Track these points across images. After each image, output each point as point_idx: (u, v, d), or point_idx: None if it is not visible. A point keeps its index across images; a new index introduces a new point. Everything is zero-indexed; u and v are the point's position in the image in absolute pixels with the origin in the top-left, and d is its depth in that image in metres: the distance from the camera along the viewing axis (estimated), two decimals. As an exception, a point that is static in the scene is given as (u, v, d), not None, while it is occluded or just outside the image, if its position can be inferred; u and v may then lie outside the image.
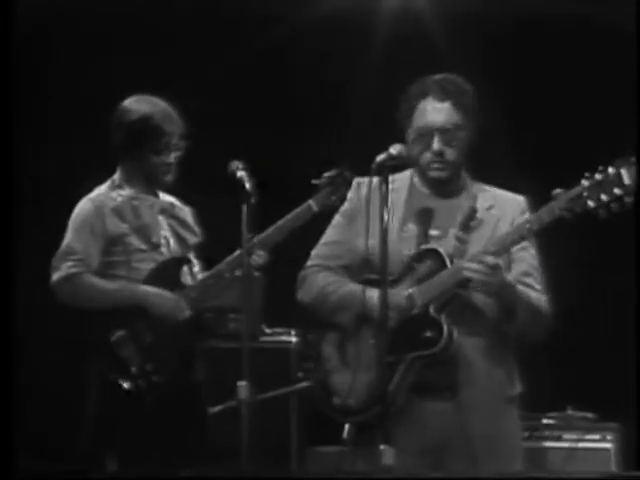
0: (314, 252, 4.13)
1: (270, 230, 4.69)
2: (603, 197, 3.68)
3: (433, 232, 3.95)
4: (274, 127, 6.59)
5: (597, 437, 5.55)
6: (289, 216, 4.70)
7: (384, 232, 3.65)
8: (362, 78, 6.48)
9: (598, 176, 3.69)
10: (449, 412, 3.86)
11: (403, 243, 3.92)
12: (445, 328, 3.83)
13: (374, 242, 3.82)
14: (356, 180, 4.13)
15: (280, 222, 4.71)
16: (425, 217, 3.91)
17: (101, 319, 4.63)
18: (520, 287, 3.90)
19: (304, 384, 5.30)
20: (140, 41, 6.51)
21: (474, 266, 3.77)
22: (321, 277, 4.06)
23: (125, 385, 4.56)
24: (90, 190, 4.80)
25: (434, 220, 3.96)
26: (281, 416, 5.84)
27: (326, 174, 4.74)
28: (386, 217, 3.66)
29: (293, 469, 5.78)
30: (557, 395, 5.79)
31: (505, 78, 6.37)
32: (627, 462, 5.51)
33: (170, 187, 4.83)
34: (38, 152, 6.54)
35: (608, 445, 5.53)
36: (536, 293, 3.94)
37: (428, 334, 3.83)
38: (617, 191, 3.66)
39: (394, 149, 3.81)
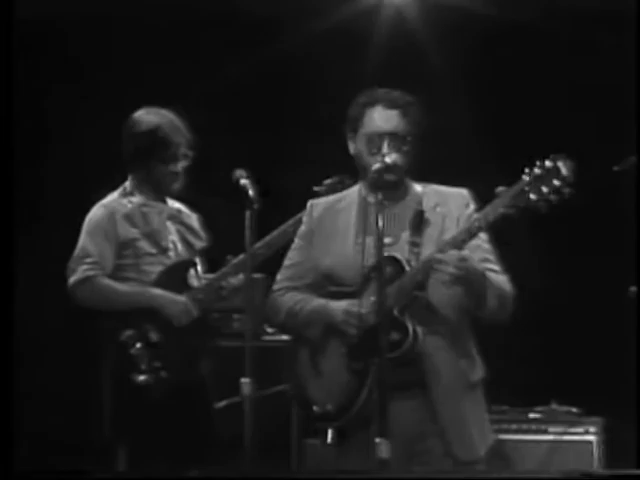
0: (279, 276, 4.16)
1: (274, 234, 4.73)
2: (544, 189, 3.69)
3: (386, 240, 3.87)
4: (277, 136, 6.60)
5: (580, 430, 5.56)
6: (291, 221, 4.72)
7: (380, 240, 3.70)
8: (361, 88, 6.51)
9: (537, 170, 3.72)
10: (420, 407, 3.91)
11: (358, 256, 3.91)
12: (410, 328, 3.86)
13: (332, 259, 3.98)
14: (310, 202, 4.18)
15: (282, 227, 4.75)
16: (376, 227, 3.78)
17: (112, 319, 4.67)
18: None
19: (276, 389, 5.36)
20: (146, 51, 6.52)
21: (442, 256, 3.79)
22: (287, 297, 4.09)
23: (138, 379, 4.59)
24: (97, 198, 4.85)
25: (385, 228, 3.86)
26: (282, 411, 5.86)
27: (326, 181, 4.78)
28: (380, 223, 3.70)
29: (293, 464, 5.80)
30: (542, 391, 5.82)
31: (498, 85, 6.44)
32: (608, 454, 5.55)
33: (178, 194, 4.87)
34: (41, 160, 6.57)
35: (591, 438, 5.55)
36: (500, 275, 3.98)
37: (394, 336, 3.84)
38: (556, 183, 3.68)
39: (389, 158, 3.91)
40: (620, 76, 5.99)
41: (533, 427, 5.63)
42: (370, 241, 3.84)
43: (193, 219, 4.95)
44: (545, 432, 5.62)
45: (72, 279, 4.70)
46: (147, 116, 4.79)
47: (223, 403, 5.02)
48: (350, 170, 4.57)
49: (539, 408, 5.73)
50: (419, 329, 3.88)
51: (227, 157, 4.73)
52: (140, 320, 4.67)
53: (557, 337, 6.15)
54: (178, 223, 4.88)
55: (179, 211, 4.92)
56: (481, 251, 3.98)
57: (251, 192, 4.11)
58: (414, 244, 3.96)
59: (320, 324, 4.00)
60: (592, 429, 5.55)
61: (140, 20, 6.51)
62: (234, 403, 4.68)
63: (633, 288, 4.63)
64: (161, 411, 4.59)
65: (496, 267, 4.00)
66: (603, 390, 5.73)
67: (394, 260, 3.91)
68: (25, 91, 5.41)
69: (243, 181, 4.15)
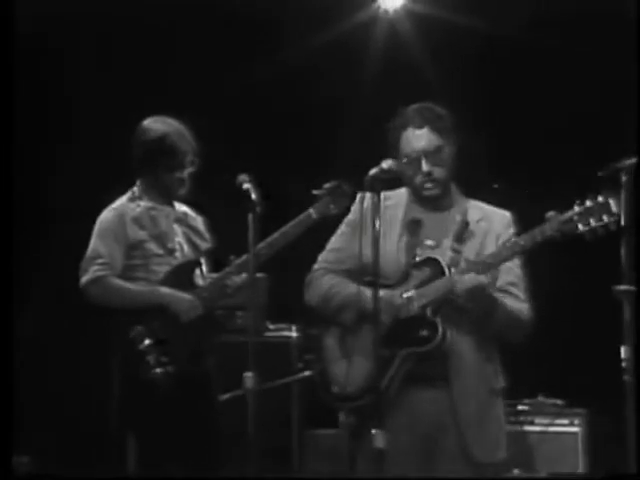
0: (320, 257, 4.20)
1: (275, 235, 4.74)
2: (592, 222, 3.75)
3: (428, 242, 4.01)
4: (278, 143, 6.61)
5: (566, 422, 5.59)
6: (291, 223, 4.76)
7: (375, 240, 3.73)
8: (358, 97, 6.53)
9: (588, 203, 3.77)
10: (441, 399, 3.93)
11: (400, 252, 4.00)
12: (440, 328, 3.91)
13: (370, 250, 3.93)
14: (360, 193, 4.16)
15: (283, 228, 4.76)
16: (420, 229, 3.95)
17: (122, 316, 4.69)
18: (503, 295, 3.98)
19: (305, 374, 5.36)
20: (149, 59, 6.53)
21: (467, 283, 3.84)
22: (326, 280, 4.13)
23: (146, 373, 4.60)
24: (107, 202, 4.87)
25: (428, 232, 4.03)
26: (283, 403, 5.88)
27: (325, 185, 4.79)
28: (377, 225, 3.74)
29: (294, 456, 5.81)
30: (530, 384, 5.84)
31: (489, 99, 6.43)
32: (592, 444, 5.56)
33: (184, 198, 4.90)
34: (49, 162, 6.59)
35: (576, 429, 5.57)
36: (519, 302, 4.03)
37: (424, 333, 3.90)
38: (605, 218, 3.74)
39: (385, 164, 3.91)
40: (620, 80, 5.98)
41: (521, 419, 5.64)
42: (411, 241, 3.92)
43: (198, 221, 4.98)
44: (532, 423, 5.63)
45: (84, 279, 4.72)
46: (155, 124, 4.81)
47: (227, 396, 5.03)
48: (347, 175, 4.60)
49: (527, 401, 5.74)
50: (448, 330, 3.92)
51: (231, 163, 4.73)
52: (148, 317, 4.68)
53: (544, 334, 6.15)
54: (184, 225, 4.91)
55: (185, 214, 4.94)
56: (512, 275, 4.04)
57: (253, 196, 4.13)
58: (456, 251, 4.00)
59: (353, 309, 4.01)
60: (577, 421, 5.57)
61: (143, 27, 6.51)
62: (237, 396, 4.70)
63: (618, 287, 4.64)
64: (168, 404, 4.60)
65: (520, 294, 4.05)
66: (587, 384, 5.74)
67: (435, 262, 3.96)
68: (26, 93, 5.41)
69: (246, 185, 4.18)
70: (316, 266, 4.19)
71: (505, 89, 6.41)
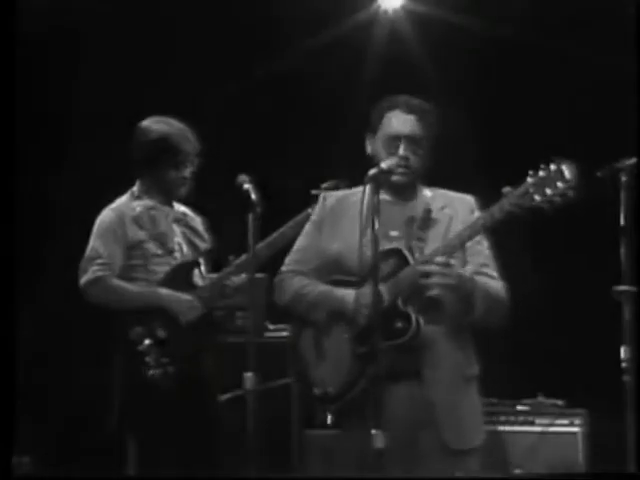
0: (288, 259, 4.20)
1: (274, 235, 4.74)
2: (548, 191, 3.71)
3: (392, 233, 3.98)
4: (277, 143, 6.60)
5: (566, 422, 5.57)
6: (290, 223, 4.76)
7: (375, 236, 3.71)
8: (358, 97, 6.52)
9: (542, 173, 3.73)
10: (416, 392, 3.91)
11: (365, 246, 3.90)
12: (414, 318, 3.88)
13: (339, 246, 4.00)
14: (322, 194, 4.24)
15: (282, 228, 4.76)
16: (384, 220, 3.82)
17: (122, 317, 4.69)
18: (479, 277, 3.95)
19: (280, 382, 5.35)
20: (151, 60, 6.53)
21: (428, 268, 3.83)
22: (296, 280, 4.12)
23: (147, 374, 4.59)
24: (106, 202, 4.87)
25: (392, 223, 3.98)
26: (283, 403, 5.87)
27: (324, 184, 4.78)
28: (377, 226, 3.71)
29: (294, 456, 5.81)
30: (529, 384, 5.83)
31: (488, 98, 6.43)
32: (592, 445, 5.56)
33: (184, 198, 4.89)
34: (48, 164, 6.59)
35: (575, 429, 5.56)
36: (494, 281, 4.00)
37: (398, 325, 3.87)
38: (560, 185, 3.70)
39: (385, 164, 3.94)
40: (618, 75, 5.97)
41: (521, 419, 5.64)
42: (377, 234, 3.86)
43: (197, 222, 4.98)
44: (532, 424, 5.62)
45: (83, 279, 4.72)
46: (157, 125, 4.81)
47: (227, 396, 5.03)
48: (346, 174, 4.60)
49: (526, 401, 5.73)
50: (421, 318, 3.90)
51: (231, 163, 4.73)
52: (148, 318, 4.68)
53: (544, 334, 6.15)
54: (183, 226, 4.90)
55: (184, 214, 4.94)
56: (481, 256, 4.03)
57: (253, 196, 4.13)
58: (420, 239, 3.99)
59: (324, 309, 4.01)
60: (577, 421, 5.56)
61: (144, 27, 6.52)
62: (237, 396, 4.69)
63: (618, 287, 4.63)
64: (169, 404, 4.60)
65: (493, 273, 4.03)
66: (587, 384, 5.74)
67: (399, 252, 3.94)
68: (28, 93, 5.41)
69: (246, 186, 4.18)
70: (284, 268, 4.19)
71: (504, 89, 6.40)
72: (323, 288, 4.05)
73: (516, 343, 6.08)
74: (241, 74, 6.51)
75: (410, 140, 4.02)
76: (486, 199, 3.98)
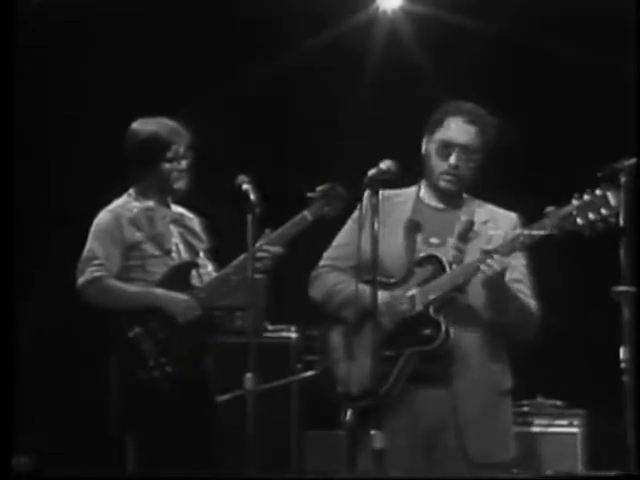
0: (326, 254, 4.19)
1: (272, 236, 4.68)
2: (591, 216, 3.71)
3: (433, 240, 3.99)
4: (276, 145, 6.61)
5: (565, 422, 5.57)
6: (287, 225, 4.72)
7: (374, 240, 3.70)
8: (357, 97, 6.52)
9: (587, 197, 3.73)
10: (443, 398, 3.89)
11: (405, 250, 3.97)
12: (443, 326, 3.87)
13: (380, 247, 3.86)
14: (367, 191, 4.05)
15: (279, 230, 4.72)
16: (426, 227, 3.91)
17: (121, 318, 4.66)
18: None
19: (304, 375, 5.33)
20: (149, 59, 6.54)
21: (491, 263, 3.79)
22: (331, 277, 4.11)
23: (145, 375, 4.58)
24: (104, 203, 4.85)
25: (434, 230, 4.00)
26: (283, 404, 5.86)
27: (320, 188, 4.76)
28: (376, 226, 3.71)
29: (293, 457, 5.80)
30: (529, 385, 5.81)
31: (487, 98, 6.40)
32: (591, 445, 5.54)
33: (182, 197, 4.86)
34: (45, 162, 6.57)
35: (575, 430, 5.56)
36: (526, 298, 4.00)
37: (427, 332, 3.87)
38: (604, 211, 3.71)
39: (384, 164, 3.88)
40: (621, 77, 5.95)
41: (520, 419, 5.62)
42: (419, 239, 3.90)
43: (195, 222, 4.94)
44: (531, 424, 5.61)
45: (80, 280, 4.70)
46: (145, 125, 4.80)
47: (226, 396, 5.02)
48: (342, 178, 4.58)
49: (526, 402, 5.72)
50: (452, 329, 3.88)
51: (230, 163, 4.70)
52: (147, 318, 4.65)
53: (543, 335, 6.13)
54: (181, 226, 4.87)
55: (181, 215, 4.91)
56: (517, 272, 4.00)
57: (252, 197, 4.12)
58: (459, 250, 3.97)
59: (357, 307, 3.96)
60: (576, 421, 5.55)
61: (143, 28, 6.51)
62: (237, 396, 4.67)
63: (617, 288, 4.61)
64: (167, 405, 4.58)
65: (527, 291, 4.02)
66: (586, 385, 5.72)
67: (436, 259, 3.93)
68: (27, 95, 5.40)
69: (245, 186, 4.17)
70: (322, 262, 4.19)
71: (504, 89, 6.38)
72: (358, 287, 3.97)
73: (515, 343, 6.06)
74: (241, 74, 6.50)
75: (464, 150, 3.98)
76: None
